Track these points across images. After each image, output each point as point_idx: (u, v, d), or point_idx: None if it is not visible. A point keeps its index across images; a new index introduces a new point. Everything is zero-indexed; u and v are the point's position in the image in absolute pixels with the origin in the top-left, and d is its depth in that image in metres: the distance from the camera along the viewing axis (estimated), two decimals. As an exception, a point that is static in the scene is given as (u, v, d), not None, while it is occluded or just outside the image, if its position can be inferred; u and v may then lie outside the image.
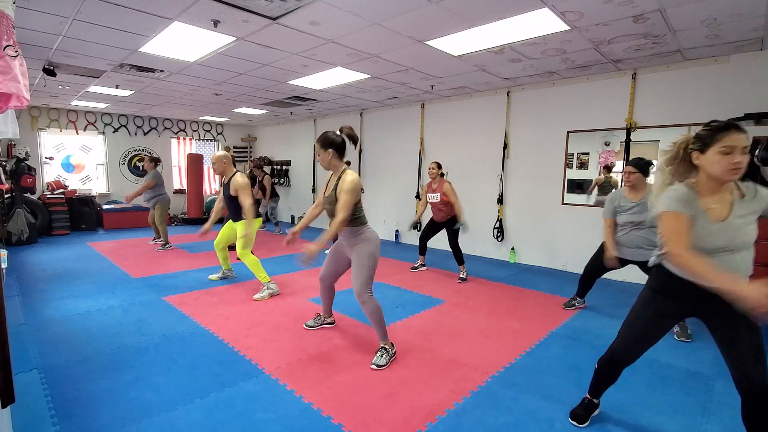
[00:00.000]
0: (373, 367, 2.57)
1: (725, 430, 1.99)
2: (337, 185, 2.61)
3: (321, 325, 3.23)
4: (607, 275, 4.70)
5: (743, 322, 1.54)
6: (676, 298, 1.67)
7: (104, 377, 2.39)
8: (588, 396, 2.05)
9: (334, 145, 2.66)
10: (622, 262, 3.26)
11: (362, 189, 7.87)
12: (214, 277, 4.65)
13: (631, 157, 4.59)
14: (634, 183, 3.10)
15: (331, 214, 2.68)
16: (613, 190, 4.64)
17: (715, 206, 1.53)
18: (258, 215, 4.18)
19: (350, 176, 2.60)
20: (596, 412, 2.05)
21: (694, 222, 1.52)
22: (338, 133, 2.70)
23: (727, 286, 1.34)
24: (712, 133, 1.50)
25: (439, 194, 4.56)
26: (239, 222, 4.08)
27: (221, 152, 4.14)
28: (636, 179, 3.09)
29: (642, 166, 3.10)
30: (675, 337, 3.09)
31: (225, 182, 4.09)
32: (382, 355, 2.64)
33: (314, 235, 7.88)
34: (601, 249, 3.38)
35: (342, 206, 2.54)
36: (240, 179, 3.97)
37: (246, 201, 3.89)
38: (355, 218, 2.67)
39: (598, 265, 3.42)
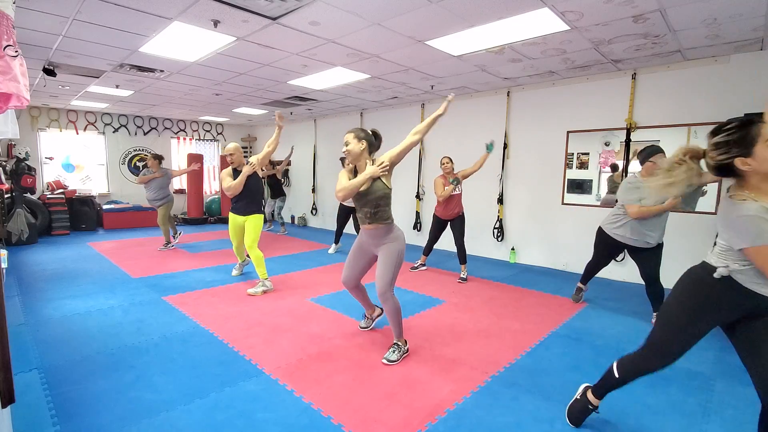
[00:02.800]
0: (384, 361, 2.62)
1: (725, 430, 1.99)
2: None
3: (373, 322, 3.19)
4: (607, 275, 4.74)
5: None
6: (734, 309, 1.57)
7: (104, 377, 2.39)
8: (594, 399, 1.96)
9: (369, 141, 2.63)
10: (621, 249, 3.42)
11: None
12: (236, 272, 4.74)
13: (631, 158, 4.60)
14: (650, 170, 3.16)
15: (375, 206, 2.59)
16: (630, 177, 4.61)
17: None
18: (262, 212, 4.25)
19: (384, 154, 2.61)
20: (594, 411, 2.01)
21: None
22: (370, 132, 2.70)
23: None
24: (747, 131, 1.40)
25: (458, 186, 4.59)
26: (249, 217, 4.16)
27: (235, 143, 4.27)
28: (655, 167, 3.12)
29: (657, 154, 3.18)
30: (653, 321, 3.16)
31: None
32: (394, 351, 2.67)
33: (322, 234, 7.88)
34: (601, 236, 3.53)
35: (409, 138, 2.65)
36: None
37: (225, 185, 4.10)
38: (388, 216, 2.65)
39: (601, 251, 3.57)
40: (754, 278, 1.48)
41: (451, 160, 4.68)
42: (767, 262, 1.39)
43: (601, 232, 3.54)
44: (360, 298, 3.04)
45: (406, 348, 2.75)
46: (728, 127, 1.46)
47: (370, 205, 2.59)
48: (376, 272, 2.65)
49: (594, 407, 1.97)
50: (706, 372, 2.59)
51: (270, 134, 10.39)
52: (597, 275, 3.86)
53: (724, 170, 1.50)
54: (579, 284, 3.91)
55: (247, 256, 4.77)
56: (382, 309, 3.19)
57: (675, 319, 1.67)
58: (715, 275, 1.55)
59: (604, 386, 1.93)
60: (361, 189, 2.56)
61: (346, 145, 2.59)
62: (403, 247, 2.66)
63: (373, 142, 2.67)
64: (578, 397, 2.04)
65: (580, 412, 2.00)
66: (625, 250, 3.49)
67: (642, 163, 3.29)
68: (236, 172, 4.17)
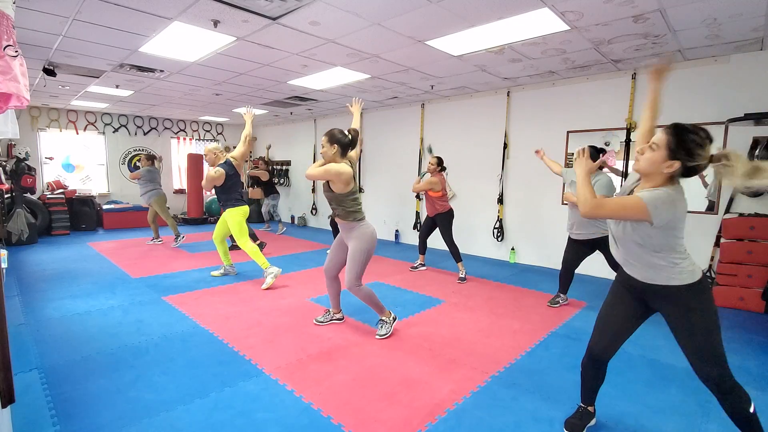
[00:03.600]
0: (377, 337, 2.96)
1: (725, 430, 1.99)
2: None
3: (330, 320, 3.28)
4: (607, 275, 4.73)
5: (680, 320, 1.62)
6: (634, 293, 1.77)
7: (104, 377, 2.39)
8: (582, 405, 2.00)
9: (340, 143, 2.84)
10: (592, 246, 3.59)
11: (361, 189, 7.89)
12: (216, 273, 4.70)
13: (631, 158, 4.60)
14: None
15: (330, 204, 2.96)
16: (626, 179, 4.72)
17: None
18: (237, 204, 4.41)
19: (337, 166, 2.79)
20: (593, 422, 2.00)
21: None
22: (346, 133, 2.88)
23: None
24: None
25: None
26: (226, 210, 4.37)
27: (213, 144, 4.56)
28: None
29: (593, 155, 3.35)
30: None
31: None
32: (382, 326, 3.00)
33: (315, 234, 7.88)
34: (569, 240, 3.71)
35: (313, 168, 2.85)
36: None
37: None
38: (351, 212, 2.88)
39: (571, 255, 3.70)
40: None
41: (438, 162, 4.72)
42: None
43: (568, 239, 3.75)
44: (332, 292, 3.24)
45: (392, 319, 3.05)
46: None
47: (329, 202, 2.97)
48: (345, 266, 2.94)
49: (591, 414, 2.00)
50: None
51: (270, 134, 10.44)
52: (595, 275, 3.87)
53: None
54: (559, 293, 3.90)
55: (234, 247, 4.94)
56: (343, 317, 3.37)
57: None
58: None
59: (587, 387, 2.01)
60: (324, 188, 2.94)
61: (322, 147, 2.88)
62: (369, 245, 2.90)
63: (347, 143, 2.88)
64: (573, 413, 2.03)
65: (578, 419, 1.98)
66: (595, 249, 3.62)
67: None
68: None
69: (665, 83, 1.80)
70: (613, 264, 3.40)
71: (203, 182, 4.35)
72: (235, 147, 5.02)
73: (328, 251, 3.19)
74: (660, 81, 1.82)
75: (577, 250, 3.66)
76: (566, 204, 5.16)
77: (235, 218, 4.33)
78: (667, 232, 1.55)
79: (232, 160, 4.44)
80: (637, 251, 1.64)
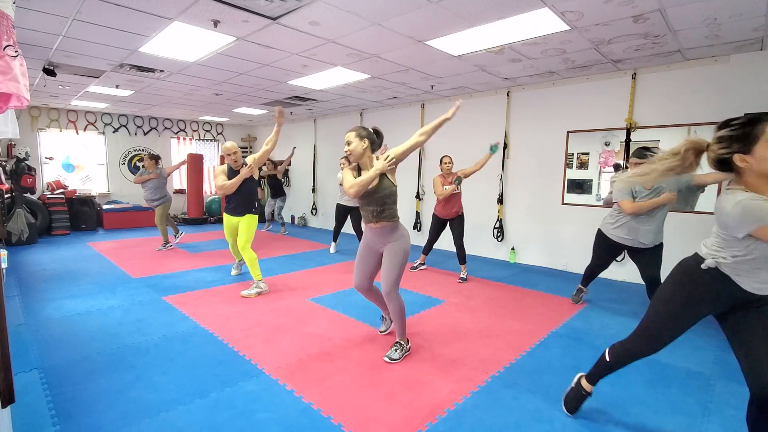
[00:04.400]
0: (386, 359, 2.64)
1: (725, 430, 1.99)
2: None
3: (392, 323, 3.04)
4: (607, 275, 4.73)
5: (762, 321, 1.53)
6: (721, 300, 1.62)
7: (104, 377, 2.39)
8: (587, 386, 2.02)
9: (371, 139, 2.62)
10: (619, 250, 3.42)
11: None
12: (235, 272, 4.74)
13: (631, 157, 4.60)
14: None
15: (381, 204, 2.56)
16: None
17: None
18: (257, 212, 4.25)
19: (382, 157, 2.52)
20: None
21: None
22: (372, 130, 2.68)
23: None
24: (751, 128, 1.41)
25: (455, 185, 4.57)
26: (242, 217, 4.11)
27: (231, 142, 4.16)
28: (637, 164, 3.17)
29: (646, 156, 3.17)
30: None
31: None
32: (396, 350, 2.69)
33: (315, 234, 7.87)
34: (600, 237, 3.52)
35: (415, 138, 2.59)
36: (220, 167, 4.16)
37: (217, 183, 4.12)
38: (394, 214, 2.63)
39: (600, 253, 3.55)
40: (738, 271, 1.54)
41: (451, 160, 4.67)
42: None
43: (599, 234, 3.54)
44: (376, 300, 2.94)
45: (408, 347, 2.77)
46: (734, 122, 1.46)
47: (376, 203, 2.56)
48: (382, 271, 2.65)
49: (588, 393, 2.03)
50: (706, 372, 2.59)
51: (269, 134, 10.41)
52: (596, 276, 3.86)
53: (723, 164, 1.51)
54: (580, 286, 3.91)
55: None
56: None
57: (667, 307, 1.72)
58: (703, 266, 1.60)
59: (598, 372, 1.99)
60: (370, 186, 2.52)
61: (348, 145, 2.56)
62: (409, 246, 2.64)
63: (375, 140, 2.66)
64: (573, 386, 2.10)
65: (575, 400, 2.05)
66: (625, 251, 3.49)
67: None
68: (232, 171, 4.11)
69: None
70: (648, 278, 3.28)
71: (226, 185, 3.96)
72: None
73: (355, 264, 2.83)
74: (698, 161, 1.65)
75: (613, 253, 3.52)
76: (567, 204, 5.17)
77: (253, 224, 4.15)
78: None
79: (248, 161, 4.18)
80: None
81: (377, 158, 2.58)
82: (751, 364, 1.53)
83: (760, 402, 1.51)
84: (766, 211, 1.39)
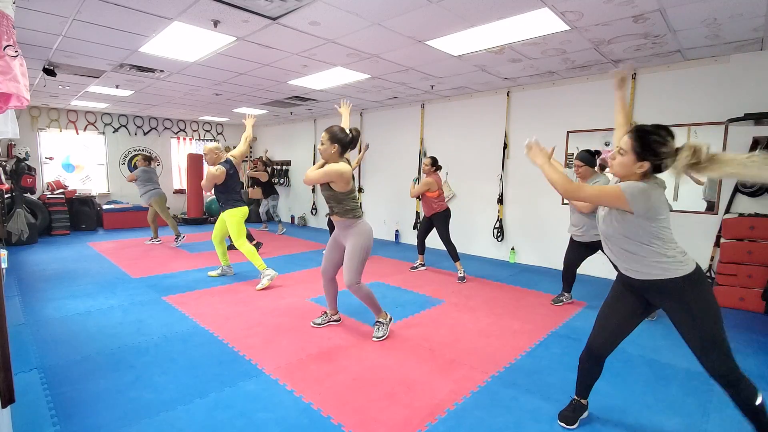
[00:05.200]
0: (374, 339, 2.92)
1: (725, 430, 1.99)
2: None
3: (328, 322, 3.26)
4: (607, 275, 4.74)
5: (681, 314, 1.64)
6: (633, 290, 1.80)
7: (104, 377, 2.39)
8: (575, 397, 2.04)
9: (341, 142, 2.82)
10: (591, 247, 3.60)
11: (361, 189, 7.88)
12: (213, 273, 4.70)
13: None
14: (583, 174, 3.42)
15: (328, 202, 2.94)
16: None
17: None
18: (237, 205, 4.38)
19: (338, 165, 2.78)
20: (585, 415, 2.03)
21: None
22: (347, 131, 2.85)
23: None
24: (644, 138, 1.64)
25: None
26: (226, 211, 4.33)
27: (213, 143, 4.47)
28: (585, 171, 3.41)
29: (588, 159, 3.41)
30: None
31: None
32: (379, 328, 2.98)
33: (313, 236, 7.88)
34: (571, 241, 3.72)
35: (311, 172, 2.81)
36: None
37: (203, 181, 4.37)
38: (348, 210, 2.87)
39: (572, 255, 3.71)
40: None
41: (432, 162, 4.69)
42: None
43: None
44: (330, 294, 3.22)
45: (388, 320, 3.01)
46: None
47: (326, 201, 2.94)
48: (343, 266, 2.92)
49: (584, 406, 2.04)
50: (706, 372, 2.58)
51: (270, 134, 10.44)
52: (595, 275, 3.88)
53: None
54: (563, 292, 3.93)
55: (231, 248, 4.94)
56: (340, 318, 3.35)
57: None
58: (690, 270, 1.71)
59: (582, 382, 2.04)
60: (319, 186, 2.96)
61: (321, 144, 2.84)
62: (367, 242, 2.89)
63: (347, 143, 2.85)
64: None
65: (571, 411, 2.03)
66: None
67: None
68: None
69: (627, 90, 1.89)
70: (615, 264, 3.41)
71: (203, 182, 4.31)
72: (235, 147, 5.04)
73: (323, 251, 3.17)
74: (623, 88, 1.96)
75: (579, 251, 3.67)
76: (566, 204, 5.17)
77: (234, 218, 4.30)
78: (651, 222, 1.62)
79: (232, 159, 4.43)
80: (628, 246, 1.69)
81: (360, 153, 2.94)
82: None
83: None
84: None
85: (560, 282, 3.95)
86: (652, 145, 1.59)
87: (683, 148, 1.54)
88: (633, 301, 1.81)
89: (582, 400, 2.03)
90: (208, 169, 4.27)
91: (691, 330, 1.65)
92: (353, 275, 2.86)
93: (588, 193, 1.71)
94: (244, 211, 4.41)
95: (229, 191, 4.35)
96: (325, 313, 3.29)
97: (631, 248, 1.69)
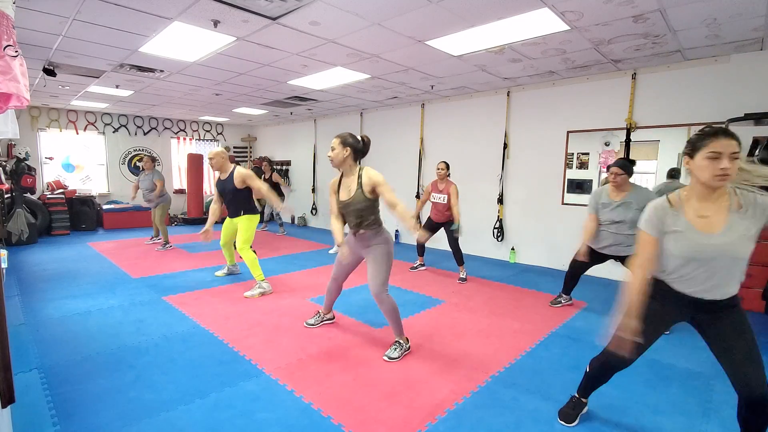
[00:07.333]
0: (386, 358, 2.67)
1: (725, 430, 1.99)
2: (360, 183, 2.63)
3: (321, 322, 3.25)
4: (607, 275, 4.74)
5: (734, 327, 1.58)
6: (670, 303, 1.69)
7: (104, 377, 2.39)
8: (576, 395, 2.06)
9: (354, 147, 2.67)
10: (602, 258, 3.42)
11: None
12: (220, 273, 4.71)
13: (631, 157, 4.59)
14: (620, 183, 3.17)
15: (359, 216, 2.67)
16: (599, 186, 4.59)
17: (708, 215, 1.53)
18: (256, 212, 4.25)
19: (374, 170, 2.65)
20: (584, 411, 2.06)
21: (671, 236, 1.58)
22: (358, 138, 2.72)
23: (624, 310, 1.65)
24: (701, 138, 1.49)
25: (445, 195, 4.51)
26: (240, 218, 4.12)
27: (219, 148, 4.24)
28: (622, 180, 3.16)
29: (628, 168, 3.19)
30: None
31: (223, 178, 4.14)
32: (395, 349, 2.72)
33: (316, 236, 7.88)
34: (589, 248, 3.49)
35: (391, 197, 2.56)
36: (243, 170, 4.10)
37: (260, 185, 4.08)
38: (373, 223, 2.70)
39: (580, 261, 3.54)
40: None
41: (447, 166, 4.60)
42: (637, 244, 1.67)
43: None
44: (333, 296, 3.16)
45: (407, 345, 2.78)
46: (702, 130, 1.53)
47: (353, 215, 2.69)
48: (368, 275, 2.70)
49: (584, 403, 2.05)
50: (706, 372, 2.59)
51: (269, 134, 10.44)
52: (596, 276, 3.85)
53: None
54: (562, 293, 3.88)
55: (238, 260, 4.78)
56: (334, 317, 3.33)
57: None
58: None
59: (588, 385, 2.03)
60: (345, 200, 2.68)
61: (332, 150, 2.68)
62: (392, 248, 2.74)
63: (360, 149, 2.71)
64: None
65: (571, 409, 2.04)
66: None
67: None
68: (218, 180, 4.21)
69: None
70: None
71: (264, 188, 4.05)
72: (234, 147, 5.02)
73: (335, 263, 3.02)
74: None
75: (593, 261, 3.50)
76: (565, 205, 5.18)
77: (252, 224, 4.16)
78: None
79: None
80: (739, 266, 1.59)
81: (359, 169, 2.69)
82: (735, 371, 1.59)
83: (747, 402, 1.56)
84: (647, 219, 1.64)
85: (560, 282, 3.95)
86: None
87: (746, 168, 1.51)
88: (674, 321, 1.76)
89: (582, 399, 2.04)
90: (240, 170, 4.05)
91: (741, 339, 1.58)
92: (382, 285, 2.65)
93: None
94: (258, 217, 4.29)
95: (250, 197, 4.20)
96: (318, 312, 3.28)
97: (740, 268, 1.59)
